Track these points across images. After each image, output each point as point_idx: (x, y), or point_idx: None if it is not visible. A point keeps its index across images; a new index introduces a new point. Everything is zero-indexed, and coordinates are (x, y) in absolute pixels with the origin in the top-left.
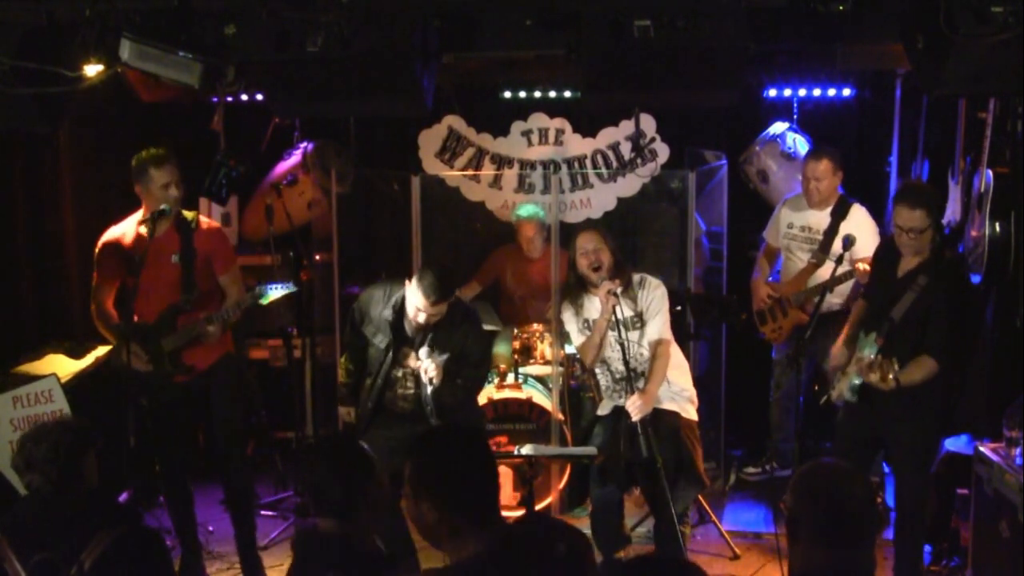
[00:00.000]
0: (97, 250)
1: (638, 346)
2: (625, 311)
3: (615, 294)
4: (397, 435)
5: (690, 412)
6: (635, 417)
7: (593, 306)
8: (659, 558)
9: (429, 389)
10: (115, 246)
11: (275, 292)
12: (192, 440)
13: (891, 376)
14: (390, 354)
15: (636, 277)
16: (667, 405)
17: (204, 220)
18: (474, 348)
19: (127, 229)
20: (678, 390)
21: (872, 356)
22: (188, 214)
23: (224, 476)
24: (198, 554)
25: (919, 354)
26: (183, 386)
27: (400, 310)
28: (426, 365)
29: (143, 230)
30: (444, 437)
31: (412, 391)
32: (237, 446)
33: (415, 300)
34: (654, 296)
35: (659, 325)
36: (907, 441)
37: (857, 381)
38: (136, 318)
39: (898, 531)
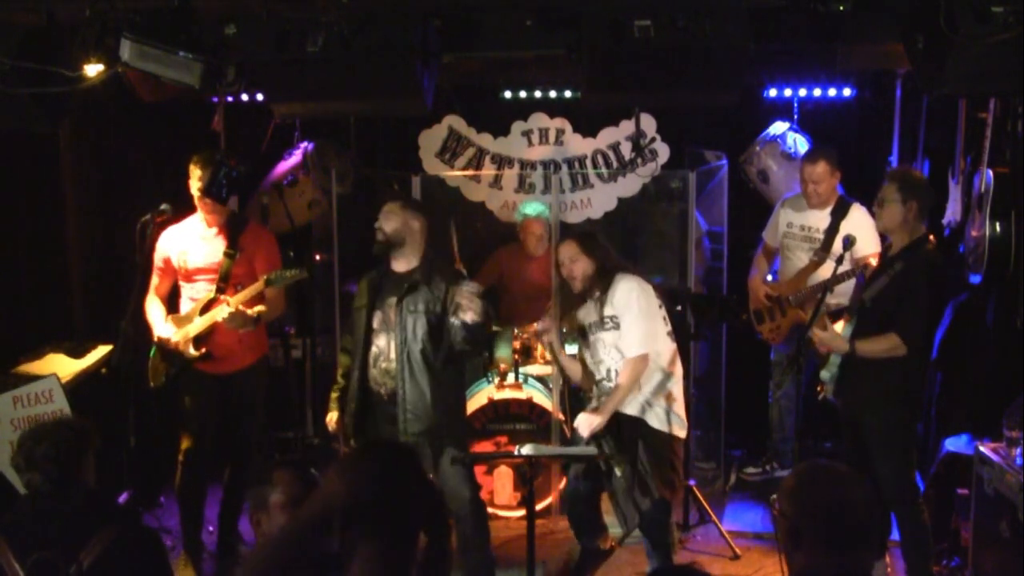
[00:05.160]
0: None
1: (613, 349)
2: (591, 315)
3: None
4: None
5: (657, 422)
6: (584, 433)
7: (584, 312)
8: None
9: (417, 346)
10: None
11: (283, 276)
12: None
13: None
14: (366, 313)
15: (617, 278)
16: (629, 410)
17: (255, 223)
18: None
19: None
20: (648, 396)
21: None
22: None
23: (234, 463)
24: (199, 554)
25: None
26: (220, 380)
27: (382, 269)
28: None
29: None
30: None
31: (393, 364)
32: (259, 441)
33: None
34: (622, 300)
35: (631, 338)
36: (876, 429)
37: (832, 369)
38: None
39: (901, 537)
